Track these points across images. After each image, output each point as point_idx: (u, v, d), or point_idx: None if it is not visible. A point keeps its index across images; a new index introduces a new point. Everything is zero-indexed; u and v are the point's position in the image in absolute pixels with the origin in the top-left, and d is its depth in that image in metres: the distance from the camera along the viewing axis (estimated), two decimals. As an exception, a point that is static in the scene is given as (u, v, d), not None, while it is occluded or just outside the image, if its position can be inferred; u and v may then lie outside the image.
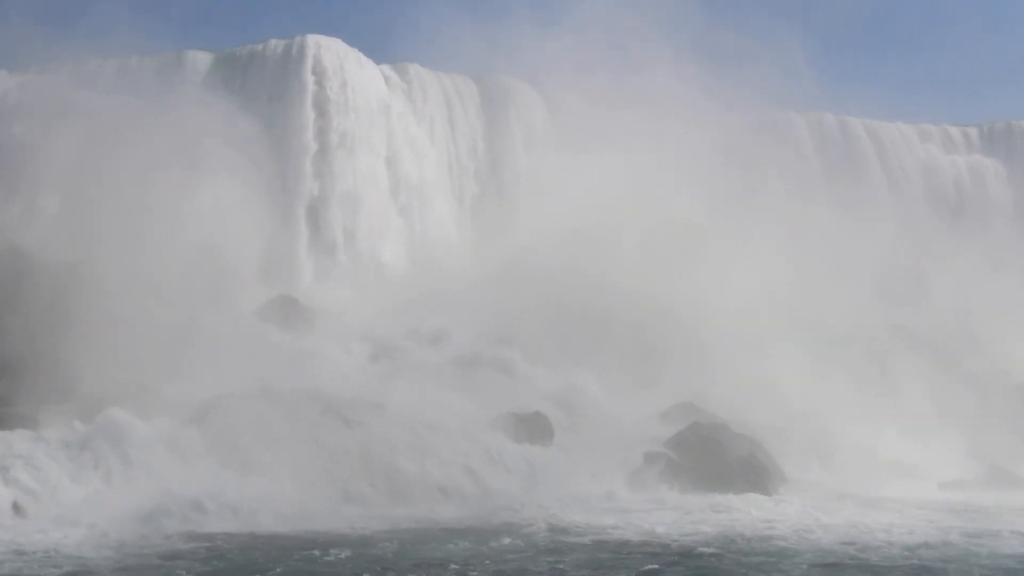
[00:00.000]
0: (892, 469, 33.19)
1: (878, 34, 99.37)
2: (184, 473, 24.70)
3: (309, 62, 41.47)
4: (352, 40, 43.91)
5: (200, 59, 42.24)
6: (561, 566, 19.23)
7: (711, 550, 20.73)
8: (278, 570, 18.77)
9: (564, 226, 39.75)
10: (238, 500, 23.89)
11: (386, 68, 45.37)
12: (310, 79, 41.30)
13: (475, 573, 18.73)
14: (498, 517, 24.80)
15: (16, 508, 22.62)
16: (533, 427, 30.25)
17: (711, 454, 30.44)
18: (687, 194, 45.43)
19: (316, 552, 20.26)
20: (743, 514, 26.35)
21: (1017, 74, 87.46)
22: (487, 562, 19.64)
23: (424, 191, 42.07)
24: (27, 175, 35.81)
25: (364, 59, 44.11)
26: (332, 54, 42.32)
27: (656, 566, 19.03)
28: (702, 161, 48.26)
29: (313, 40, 42.31)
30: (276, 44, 41.99)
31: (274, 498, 24.49)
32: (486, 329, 34.59)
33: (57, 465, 24.17)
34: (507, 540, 21.79)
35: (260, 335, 32.01)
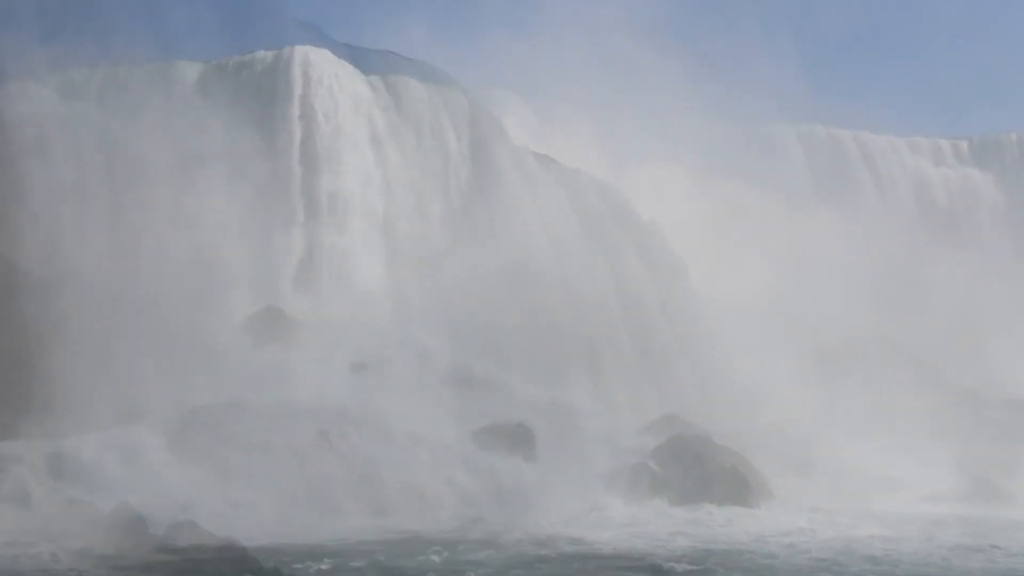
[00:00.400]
0: (878, 482, 33.09)
1: (868, 47, 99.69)
2: (164, 484, 24.62)
3: (296, 107, 37.73)
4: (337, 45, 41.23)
5: (189, 69, 41.64)
6: (530, 580, 19.28)
7: (684, 566, 20.64)
8: (254, 583, 18.75)
9: (553, 237, 39.56)
10: (218, 512, 23.80)
11: (376, 82, 41.49)
12: (297, 130, 37.63)
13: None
14: (478, 529, 24.77)
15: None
16: (516, 439, 30.19)
17: (694, 466, 30.39)
18: (678, 204, 45.41)
19: (297, 565, 20.15)
20: (723, 527, 26.31)
21: (1006, 88, 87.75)
22: (459, 574, 19.57)
23: (420, 246, 38.47)
24: (18, 187, 35.50)
25: (356, 80, 40.48)
26: (324, 91, 38.20)
27: (625, 583, 19.01)
28: (693, 172, 48.32)
29: (300, 58, 38.78)
30: (265, 56, 40.48)
31: (255, 510, 24.43)
32: (472, 341, 34.37)
33: (35, 476, 24.10)
34: (484, 552, 21.76)
35: (246, 347, 31.84)
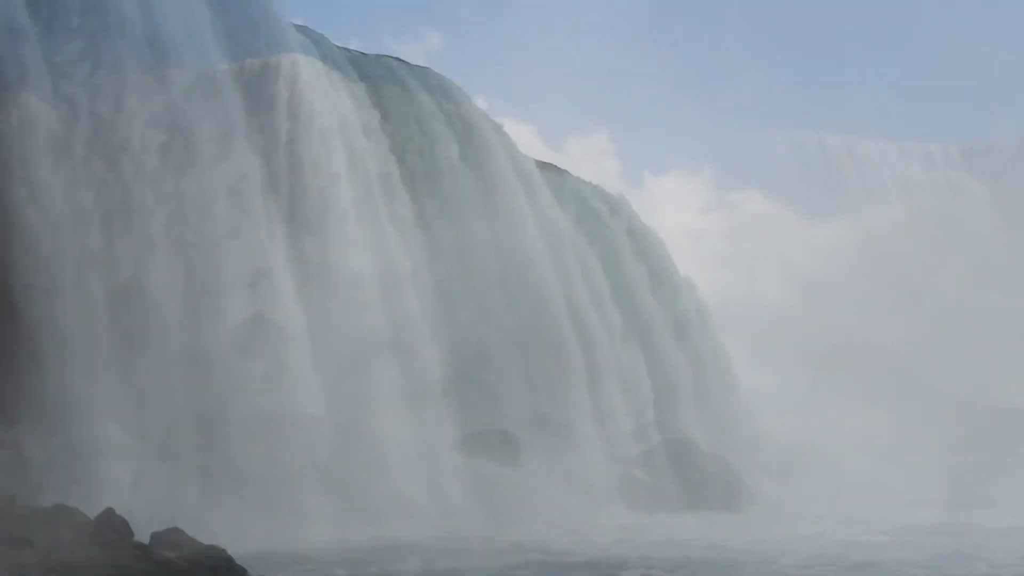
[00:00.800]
0: (865, 489, 33.16)
1: (860, 51, 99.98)
2: (142, 492, 24.57)
3: (283, 158, 33.62)
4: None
5: (180, 75, 40.21)
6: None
7: (655, 573, 20.61)
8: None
9: (553, 246, 38.95)
10: (202, 519, 23.71)
11: (375, 101, 38.00)
12: (284, 189, 33.66)
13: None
14: (459, 536, 24.78)
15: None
16: (501, 447, 30.22)
17: (679, 474, 30.52)
18: (694, 216, 45.44)
19: (282, 574, 20.06)
20: (706, 534, 26.33)
21: (995, 93, 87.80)
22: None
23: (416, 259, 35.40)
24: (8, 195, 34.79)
25: (350, 103, 36.78)
26: (315, 137, 34.22)
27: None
28: (710, 183, 48.58)
29: (286, 83, 34.67)
30: (253, 63, 38.90)
31: (233, 518, 24.33)
32: (459, 348, 34.17)
33: (13, 482, 24.00)
34: (461, 561, 21.73)
35: (234, 354, 31.26)
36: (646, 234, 43.18)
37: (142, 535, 22.38)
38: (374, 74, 39.68)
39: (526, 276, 36.43)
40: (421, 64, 43.54)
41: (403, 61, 42.07)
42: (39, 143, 28.02)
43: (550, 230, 38.75)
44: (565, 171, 44.83)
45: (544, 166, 44.03)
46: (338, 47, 39.80)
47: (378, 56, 41.62)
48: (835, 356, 42.95)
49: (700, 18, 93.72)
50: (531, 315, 35.44)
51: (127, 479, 25.07)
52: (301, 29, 38.14)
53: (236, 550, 21.98)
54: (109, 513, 22.54)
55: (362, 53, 40.86)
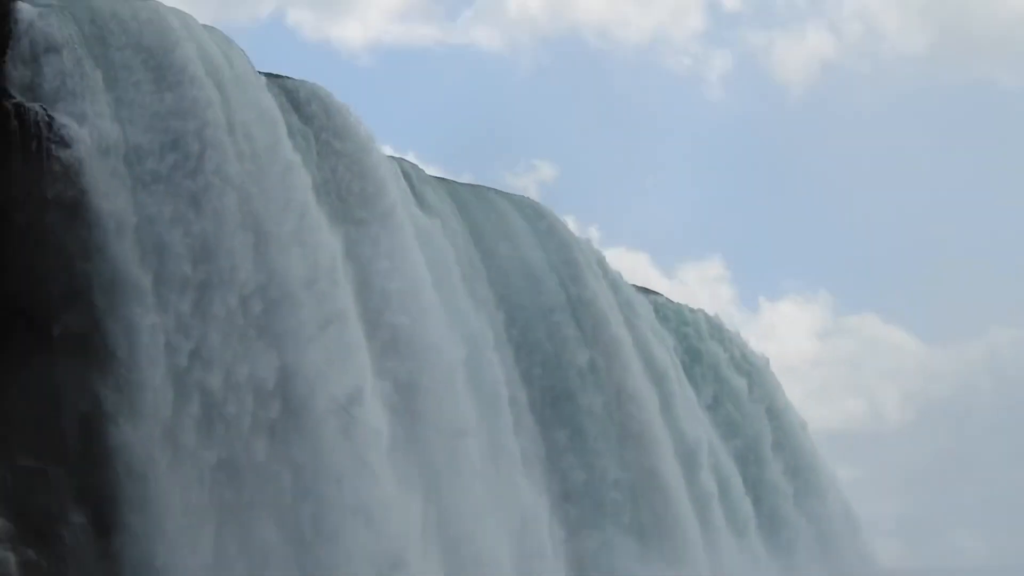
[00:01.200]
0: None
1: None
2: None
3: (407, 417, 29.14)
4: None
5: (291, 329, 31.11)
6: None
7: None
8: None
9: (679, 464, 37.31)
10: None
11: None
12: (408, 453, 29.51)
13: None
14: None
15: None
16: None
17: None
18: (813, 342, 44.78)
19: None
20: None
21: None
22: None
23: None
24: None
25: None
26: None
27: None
28: (828, 307, 47.91)
29: (408, 293, 30.32)
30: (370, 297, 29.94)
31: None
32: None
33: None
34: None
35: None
36: (788, 414, 41.96)
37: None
38: (493, 247, 36.71)
39: (660, 510, 35.10)
40: (534, 197, 42.49)
41: (506, 195, 39.77)
42: (152, 434, 23.37)
43: (686, 443, 37.23)
44: (699, 317, 42.39)
45: (677, 309, 42.30)
46: (437, 178, 37.12)
47: (492, 199, 38.49)
48: (959, 480, 40.62)
49: (811, 142, 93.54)
50: (663, 556, 34.20)
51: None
52: (404, 169, 34.29)
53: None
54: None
55: (466, 187, 38.09)
